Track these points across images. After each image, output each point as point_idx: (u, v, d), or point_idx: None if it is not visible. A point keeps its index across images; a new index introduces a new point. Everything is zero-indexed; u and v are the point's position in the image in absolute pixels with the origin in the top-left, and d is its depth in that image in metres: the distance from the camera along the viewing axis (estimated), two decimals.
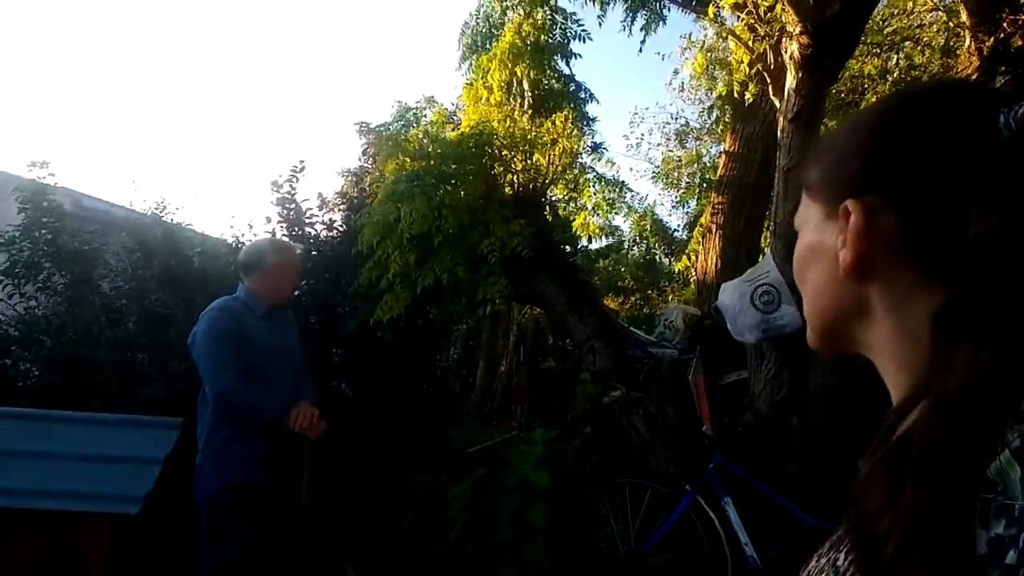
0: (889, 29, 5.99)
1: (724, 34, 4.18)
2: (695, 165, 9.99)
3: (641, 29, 5.65)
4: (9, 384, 4.78)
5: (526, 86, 5.42)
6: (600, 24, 5.62)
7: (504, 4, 5.73)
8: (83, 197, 9.64)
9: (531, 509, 3.52)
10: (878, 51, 6.11)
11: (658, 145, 11.09)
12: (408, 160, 5.13)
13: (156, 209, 5.61)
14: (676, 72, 9.15)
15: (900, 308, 0.52)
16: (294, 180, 5.75)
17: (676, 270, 9.53)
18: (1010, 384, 0.43)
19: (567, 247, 6.98)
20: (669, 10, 5.86)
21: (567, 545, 3.69)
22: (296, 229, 5.64)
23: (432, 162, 5.01)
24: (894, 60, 6.10)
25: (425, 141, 5.34)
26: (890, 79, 6.04)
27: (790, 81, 3.42)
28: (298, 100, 41.92)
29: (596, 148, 6.16)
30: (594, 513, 3.89)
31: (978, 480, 0.42)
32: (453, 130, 5.92)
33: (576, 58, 5.82)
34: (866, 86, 6.25)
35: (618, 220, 8.57)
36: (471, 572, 3.70)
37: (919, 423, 0.46)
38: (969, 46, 3.66)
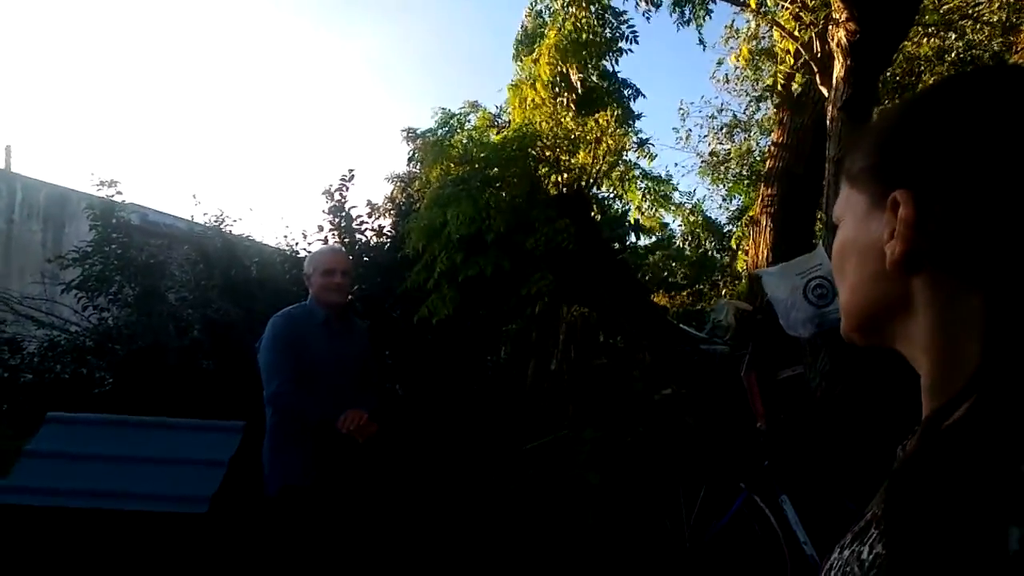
0: (945, 7, 5.76)
1: (767, 23, 4.10)
2: (745, 158, 9.79)
3: (687, 22, 5.57)
4: (86, 391, 5.07)
5: (574, 80, 5.42)
6: (648, 19, 5.57)
7: (561, 1, 5.73)
8: (149, 212, 10.09)
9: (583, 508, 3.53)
10: (934, 31, 5.87)
11: (705, 137, 10.89)
12: (452, 165, 5.21)
13: (216, 222, 5.85)
14: (720, 63, 8.97)
15: (943, 303, 0.51)
16: (344, 189, 5.92)
17: (727, 264, 9.37)
18: None
19: (616, 244, 6.94)
20: (715, 2, 5.76)
21: (618, 544, 3.69)
22: (347, 236, 5.80)
23: (476, 166, 5.08)
24: (951, 39, 5.85)
25: (469, 145, 5.41)
26: (948, 59, 5.80)
27: (838, 69, 3.34)
28: (347, 108, 42.77)
29: (643, 144, 6.09)
30: (646, 512, 3.87)
31: (1013, 478, 0.42)
32: (497, 133, 5.97)
33: (627, 53, 5.78)
34: (922, 68, 6.02)
35: (666, 216, 8.47)
36: (526, 570, 3.74)
37: (960, 421, 0.47)
38: None
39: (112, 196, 5.77)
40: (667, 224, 9.04)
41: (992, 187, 0.49)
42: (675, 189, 6.34)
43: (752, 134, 10.12)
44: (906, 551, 0.45)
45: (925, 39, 6.04)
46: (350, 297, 3.91)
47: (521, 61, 6.05)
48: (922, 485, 0.46)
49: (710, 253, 10.40)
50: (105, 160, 32.73)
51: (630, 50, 5.76)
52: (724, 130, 10.56)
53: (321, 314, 3.03)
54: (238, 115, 39.81)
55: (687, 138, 10.99)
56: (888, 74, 5.51)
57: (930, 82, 5.91)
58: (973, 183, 0.49)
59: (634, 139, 5.88)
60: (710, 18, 5.30)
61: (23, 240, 11.53)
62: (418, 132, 7.26)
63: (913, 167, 0.52)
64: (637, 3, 5.25)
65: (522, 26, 6.27)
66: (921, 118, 0.54)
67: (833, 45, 3.31)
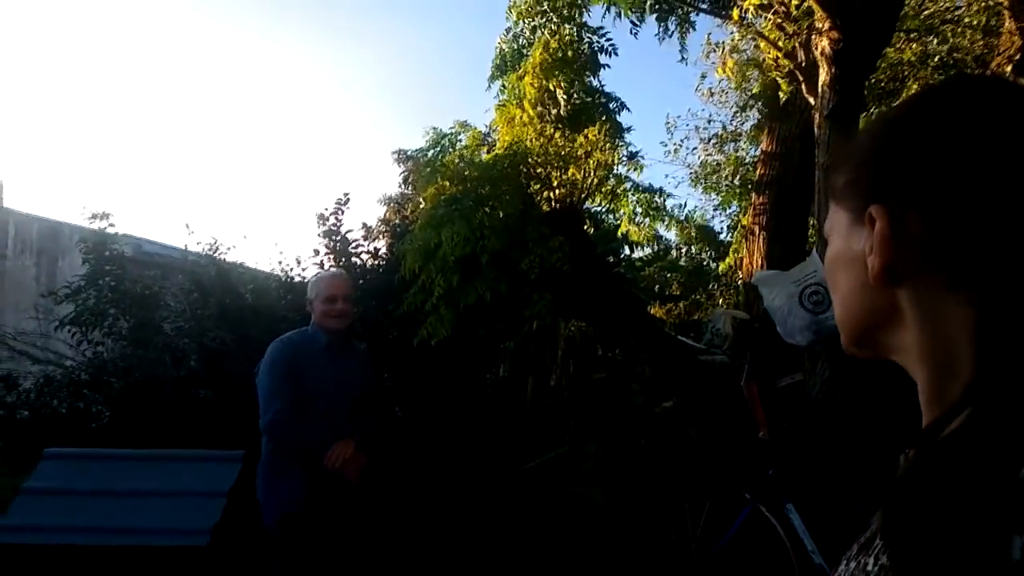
0: (927, 12, 5.83)
1: (750, 35, 4.15)
2: (735, 168, 9.85)
3: (669, 35, 5.63)
4: (83, 426, 5.03)
5: (560, 99, 5.46)
6: (636, 35, 5.62)
7: (533, 23, 5.79)
8: (142, 242, 10.09)
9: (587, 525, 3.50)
10: (916, 36, 5.94)
11: (694, 150, 10.97)
12: (447, 184, 5.23)
13: (210, 250, 5.84)
14: (703, 76, 9.06)
15: (930, 313, 0.52)
16: (339, 213, 5.93)
17: (721, 271, 9.39)
18: None
19: (611, 258, 6.96)
20: (698, 15, 5.82)
21: (625, 560, 3.66)
22: (343, 259, 5.80)
23: (469, 185, 5.09)
24: (934, 44, 5.92)
25: (461, 165, 5.43)
26: (931, 64, 5.86)
27: (823, 77, 3.37)
28: (337, 131, 42.99)
29: (633, 157, 6.12)
30: (652, 526, 3.84)
31: (1013, 486, 0.42)
32: (488, 152, 6.00)
33: (606, 69, 5.83)
34: (906, 73, 6.08)
35: (660, 228, 8.49)
36: None
37: (958, 431, 0.46)
38: (1010, 26, 3.54)
39: (105, 228, 5.76)
40: (660, 236, 9.07)
41: (968, 196, 0.49)
42: (669, 196, 6.34)
43: (741, 144, 10.19)
44: (909, 562, 0.45)
45: (908, 45, 6.11)
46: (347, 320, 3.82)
47: (500, 82, 6.09)
48: (922, 496, 0.46)
49: (706, 263, 10.43)
50: (96, 191, 32.77)
51: (607, 66, 5.81)
52: (713, 141, 10.64)
53: (323, 339, 3.00)
54: (226, 142, 39.97)
55: (676, 151, 11.07)
56: (872, 80, 5.56)
57: (914, 88, 5.97)
58: (949, 193, 0.50)
59: (624, 152, 5.92)
60: (693, 30, 5.36)
61: (17, 275, 11.52)
62: (408, 153, 7.31)
63: (888, 181, 0.53)
64: (617, 18, 5.30)
65: (497, 49, 6.32)
66: (895, 133, 0.55)
67: (817, 54, 3.35)
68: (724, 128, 10.51)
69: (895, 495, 0.50)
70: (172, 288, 6.12)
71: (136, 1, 31.33)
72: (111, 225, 5.80)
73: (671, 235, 10.02)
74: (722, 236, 10.55)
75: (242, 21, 37.10)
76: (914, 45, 6.07)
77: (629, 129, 5.98)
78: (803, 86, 3.61)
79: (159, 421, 4.80)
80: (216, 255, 5.82)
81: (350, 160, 41.60)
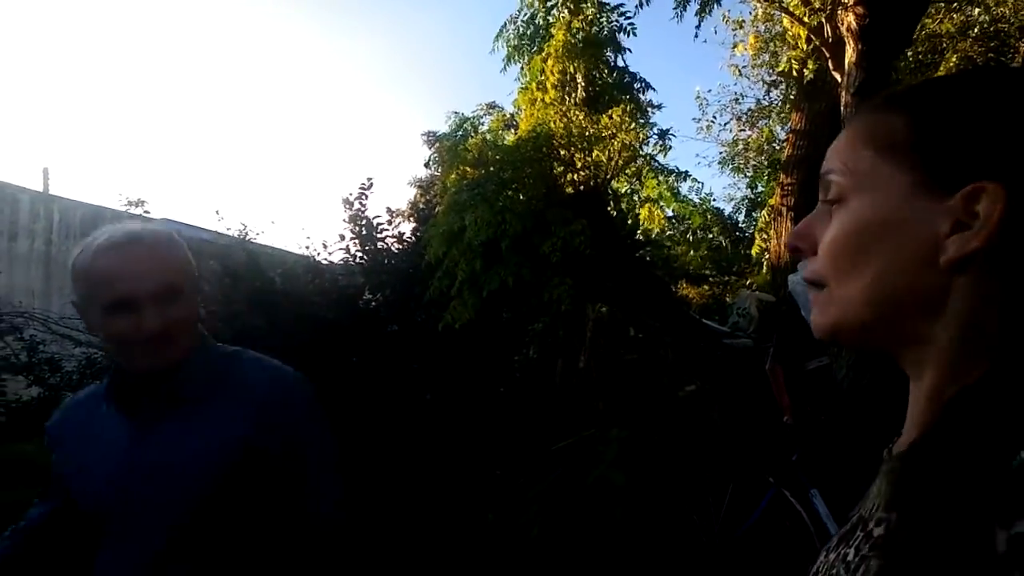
0: None
1: (773, 9, 4.04)
2: (764, 147, 9.64)
3: (696, 15, 5.51)
4: None
5: (580, 80, 5.40)
6: (639, 7, 5.46)
7: (548, 4, 5.71)
8: (180, 227, 10.33)
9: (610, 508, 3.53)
10: (957, 6, 5.70)
11: (726, 124, 10.71)
12: (468, 169, 5.24)
13: (239, 235, 5.96)
14: (734, 48, 8.85)
15: (980, 307, 0.48)
16: (364, 197, 5.98)
17: (753, 254, 9.25)
18: None
19: (637, 237, 6.91)
20: None
21: (648, 543, 3.68)
22: (369, 244, 5.86)
23: (492, 168, 5.10)
24: (975, 15, 5.68)
25: (484, 148, 5.43)
26: (972, 35, 5.63)
27: (849, 54, 3.27)
28: (355, 114, 43.23)
29: (663, 135, 6.00)
30: (675, 511, 3.85)
31: (1003, 477, 0.41)
32: (512, 134, 5.98)
33: (626, 52, 5.74)
34: (945, 45, 5.85)
35: (668, 211, 8.36)
36: (552, 571, 3.74)
37: (945, 419, 0.47)
38: None
39: (141, 214, 5.93)
40: (685, 217, 8.93)
41: None
42: (688, 178, 6.19)
43: (771, 120, 9.96)
44: (900, 553, 0.45)
45: (948, 15, 5.87)
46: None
47: (520, 66, 6.04)
48: (917, 486, 0.46)
49: (723, 245, 10.29)
50: (132, 174, 33.57)
51: (628, 50, 5.73)
52: (745, 117, 10.40)
53: (113, 393, 1.29)
54: (254, 124, 40.48)
55: (708, 127, 10.84)
56: (909, 53, 5.38)
57: (953, 60, 5.75)
58: None
59: (653, 131, 5.83)
60: (719, 4, 5.23)
61: (63, 260, 11.89)
62: (437, 135, 7.31)
63: (997, 159, 0.47)
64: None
65: (510, 29, 6.22)
66: (992, 103, 0.49)
67: (843, 30, 3.25)
68: (758, 102, 10.27)
69: (890, 487, 0.50)
70: (204, 272, 6.26)
71: None
72: (146, 212, 5.97)
73: (686, 219, 9.91)
74: (740, 220, 10.39)
75: (261, 8, 37.28)
76: (955, 16, 5.83)
77: (660, 107, 5.89)
78: (830, 63, 3.51)
79: None
80: (246, 239, 5.94)
81: (381, 143, 41.83)
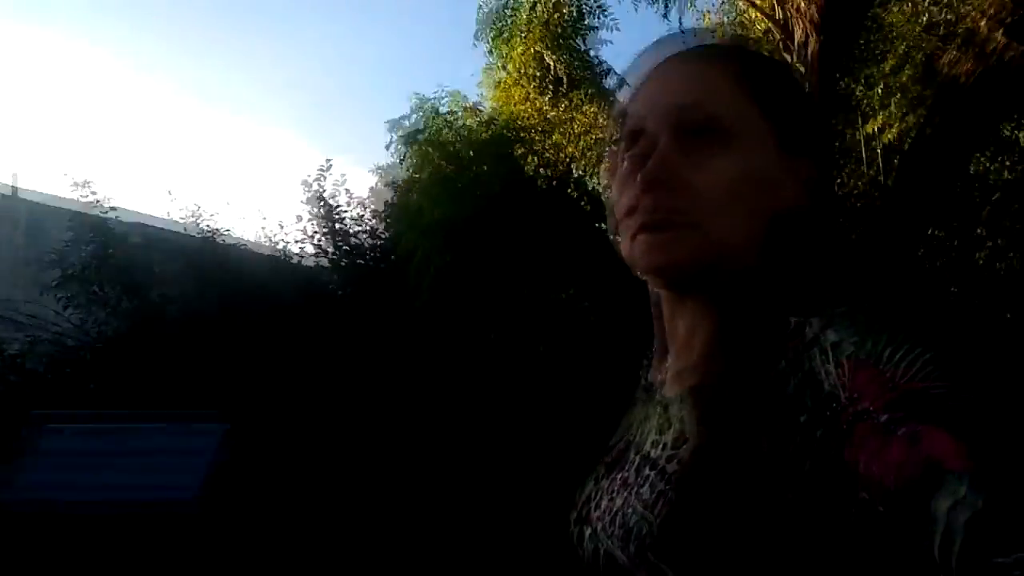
0: None
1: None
2: None
3: (667, 5, 5.51)
4: (78, 392, 5.05)
5: (548, 61, 5.38)
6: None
7: None
8: (127, 213, 9.96)
9: None
10: None
11: None
12: (443, 164, 5.25)
13: (191, 217, 5.82)
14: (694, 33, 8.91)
15: (787, 249, 0.56)
16: (322, 179, 5.90)
17: None
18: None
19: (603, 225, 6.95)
20: None
21: None
22: (327, 223, 5.79)
23: (463, 162, 5.14)
24: (924, 4, 5.83)
25: (457, 144, 5.45)
26: (918, 25, 5.79)
27: (812, 46, 3.36)
28: (323, 92, 42.45)
29: None
30: None
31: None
32: (474, 119, 5.96)
33: (606, 45, 5.75)
34: (894, 34, 6.00)
35: None
36: None
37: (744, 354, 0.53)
38: None
39: (86, 198, 5.73)
40: None
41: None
42: None
43: None
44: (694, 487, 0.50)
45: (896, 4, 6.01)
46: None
47: (487, 45, 5.97)
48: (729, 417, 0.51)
49: None
50: (79, 161, 32.42)
51: (610, 42, 5.77)
52: None
53: None
54: (204, 104, 39.43)
55: None
56: (862, 42, 5.50)
57: (902, 48, 5.90)
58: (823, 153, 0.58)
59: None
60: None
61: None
62: (399, 119, 7.22)
63: (811, 137, 0.60)
64: None
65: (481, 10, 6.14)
66: (801, 92, 0.66)
67: (806, 22, 3.33)
68: None
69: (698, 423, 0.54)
70: (157, 256, 6.04)
71: None
72: (92, 193, 5.75)
73: None
74: None
75: None
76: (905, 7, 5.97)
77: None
78: (792, 56, 3.56)
79: (146, 385, 4.82)
80: (199, 223, 5.79)
81: (342, 129, 41.19)
